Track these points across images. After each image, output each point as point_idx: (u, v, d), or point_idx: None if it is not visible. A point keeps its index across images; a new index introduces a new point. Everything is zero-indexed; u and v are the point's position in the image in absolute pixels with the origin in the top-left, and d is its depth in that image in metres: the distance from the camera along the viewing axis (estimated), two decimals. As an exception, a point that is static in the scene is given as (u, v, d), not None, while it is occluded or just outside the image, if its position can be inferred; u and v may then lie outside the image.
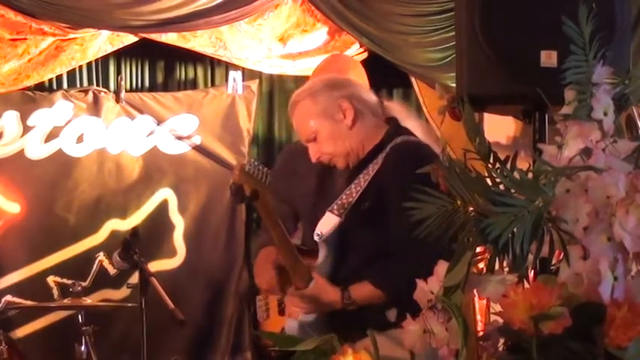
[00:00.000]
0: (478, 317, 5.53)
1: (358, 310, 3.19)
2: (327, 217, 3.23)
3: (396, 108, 3.48)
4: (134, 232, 4.36)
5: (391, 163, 3.21)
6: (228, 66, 6.07)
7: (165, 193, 5.95)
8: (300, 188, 3.63)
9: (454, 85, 3.70)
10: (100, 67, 5.96)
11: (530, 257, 1.58)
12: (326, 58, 4.21)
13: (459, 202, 1.66)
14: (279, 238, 3.28)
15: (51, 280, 5.73)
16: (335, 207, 3.22)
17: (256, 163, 3.21)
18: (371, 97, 3.35)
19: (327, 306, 3.20)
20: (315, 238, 3.22)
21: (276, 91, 6.23)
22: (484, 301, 5.16)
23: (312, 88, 3.35)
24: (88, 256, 5.77)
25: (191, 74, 6.17)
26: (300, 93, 3.38)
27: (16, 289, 5.65)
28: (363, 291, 3.14)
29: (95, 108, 5.87)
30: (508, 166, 1.66)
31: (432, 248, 3.12)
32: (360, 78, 3.88)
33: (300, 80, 6.20)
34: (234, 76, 6.04)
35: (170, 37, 5.71)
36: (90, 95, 5.88)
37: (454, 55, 3.77)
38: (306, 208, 3.56)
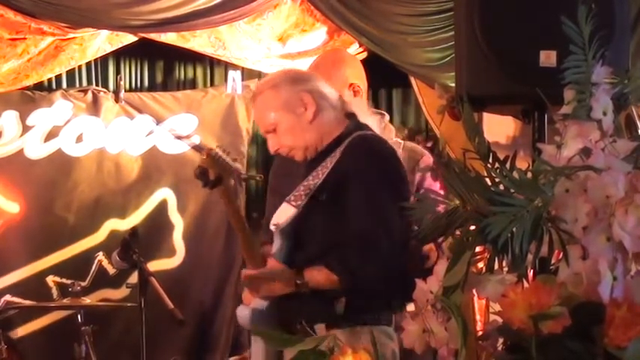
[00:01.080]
0: (477, 317, 5.53)
1: (307, 300, 3.20)
2: (284, 208, 3.27)
3: (356, 104, 3.49)
4: (133, 231, 4.37)
5: (349, 155, 3.24)
6: (227, 66, 6.08)
7: (164, 193, 5.96)
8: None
9: (453, 84, 3.70)
10: (99, 67, 5.97)
11: (530, 257, 1.59)
12: (323, 53, 4.20)
13: (458, 202, 1.66)
14: (237, 224, 3.34)
15: (50, 279, 5.73)
16: (292, 198, 3.25)
17: (225, 150, 3.27)
18: (332, 92, 3.39)
19: (279, 288, 3.22)
20: (272, 228, 3.25)
21: (275, 91, 6.23)
22: (483, 301, 5.16)
23: (274, 80, 3.38)
24: (88, 255, 5.77)
25: (190, 74, 6.17)
26: (262, 84, 3.43)
27: (15, 288, 5.65)
28: (317, 274, 3.17)
29: (94, 108, 5.88)
30: (507, 165, 1.66)
31: (388, 239, 3.15)
32: (356, 73, 3.87)
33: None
34: (234, 75, 6.05)
35: (169, 37, 5.71)
36: (89, 95, 5.89)
37: (453, 55, 3.77)
38: None
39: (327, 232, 3.20)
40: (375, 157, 3.25)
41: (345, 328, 3.15)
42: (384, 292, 3.21)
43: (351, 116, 3.36)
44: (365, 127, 3.36)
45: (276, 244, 3.26)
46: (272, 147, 3.39)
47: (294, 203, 3.23)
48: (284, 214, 3.25)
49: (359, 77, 3.88)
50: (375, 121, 3.47)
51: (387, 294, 3.22)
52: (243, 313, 3.30)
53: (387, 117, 3.98)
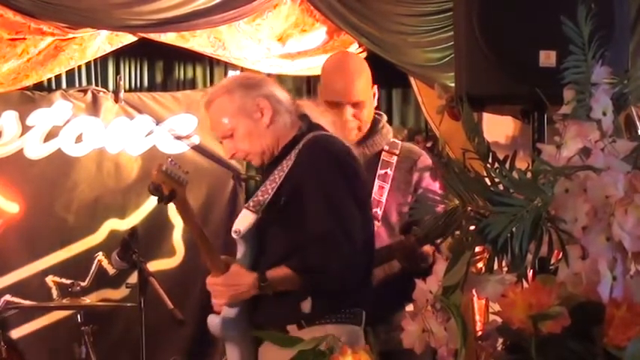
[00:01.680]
0: (477, 317, 5.53)
1: (275, 303, 3.22)
2: (244, 214, 3.29)
3: (308, 105, 3.52)
4: (133, 231, 4.36)
5: (304, 157, 3.26)
6: (227, 66, 6.08)
7: (164, 193, 5.95)
8: None
9: (453, 84, 3.70)
10: (98, 67, 5.97)
11: (529, 257, 1.59)
12: (337, 56, 4.19)
13: (457, 202, 1.66)
14: (197, 235, 3.34)
15: (50, 279, 5.73)
16: (251, 204, 3.28)
17: (174, 163, 3.27)
18: (285, 95, 3.42)
19: (244, 292, 3.24)
20: (233, 235, 3.27)
21: (275, 91, 6.23)
22: (483, 301, 5.16)
23: (228, 86, 3.40)
24: (87, 255, 5.77)
25: (190, 74, 6.17)
26: (215, 91, 3.44)
27: (15, 288, 5.66)
28: (280, 273, 3.19)
29: (94, 108, 5.88)
30: (507, 165, 1.66)
31: (348, 237, 3.17)
32: (370, 73, 3.89)
33: (298, 80, 6.21)
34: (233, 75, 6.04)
35: (169, 37, 5.71)
36: (89, 95, 5.89)
37: (453, 55, 3.77)
38: None
39: (289, 236, 3.23)
40: (330, 156, 3.28)
41: (313, 327, 3.18)
42: (348, 291, 3.23)
43: (303, 117, 3.39)
44: (318, 127, 3.39)
45: (240, 251, 3.29)
46: (228, 152, 3.42)
47: (253, 209, 3.26)
48: (244, 220, 3.28)
49: (371, 80, 3.92)
50: (328, 120, 3.50)
51: (351, 292, 3.24)
52: (214, 322, 3.32)
53: (385, 117, 3.99)
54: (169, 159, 3.31)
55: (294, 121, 3.37)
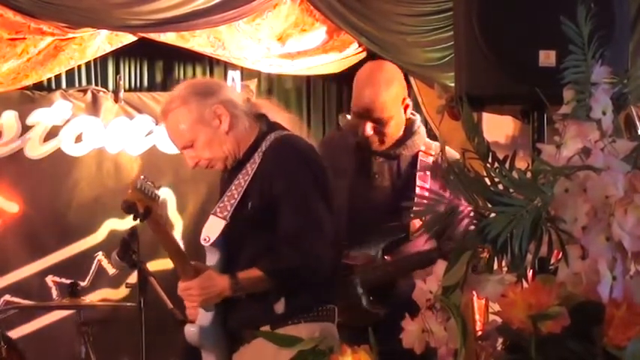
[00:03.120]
0: (477, 317, 5.53)
1: (248, 305, 3.24)
2: (212, 221, 3.30)
3: (264, 104, 3.52)
4: (133, 231, 4.35)
5: (268, 158, 3.28)
6: (226, 65, 6.08)
7: (163, 193, 5.95)
8: None
9: (453, 84, 3.69)
10: (98, 67, 5.97)
11: (529, 257, 1.58)
12: (369, 67, 4.11)
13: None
14: (169, 248, 3.39)
15: (50, 279, 5.73)
16: (218, 210, 3.28)
17: (147, 180, 3.29)
18: (239, 96, 3.45)
19: (217, 294, 3.25)
20: (203, 242, 3.27)
21: (274, 91, 6.24)
22: (483, 301, 5.16)
23: (183, 97, 3.38)
24: (87, 255, 5.78)
25: (190, 74, 6.17)
26: (171, 101, 3.42)
27: (15, 288, 5.66)
28: (252, 275, 3.20)
29: (94, 107, 5.88)
30: (507, 165, 1.66)
31: (319, 236, 3.19)
32: (404, 86, 3.88)
33: (298, 79, 6.21)
34: (233, 75, 6.05)
35: (169, 37, 5.71)
36: (89, 95, 5.89)
37: (453, 55, 3.77)
38: None
39: (258, 238, 3.25)
40: (297, 155, 3.29)
41: (287, 327, 3.19)
42: (319, 288, 3.23)
43: (261, 117, 3.39)
44: (277, 125, 3.39)
45: (210, 258, 3.30)
46: (191, 161, 3.41)
47: (220, 215, 3.27)
48: (213, 227, 3.28)
49: (405, 89, 3.91)
50: (285, 117, 3.50)
51: (322, 289, 3.25)
52: (191, 332, 3.33)
53: (419, 117, 3.99)
54: (141, 176, 3.32)
55: (252, 123, 3.37)
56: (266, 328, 3.20)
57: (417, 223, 3.69)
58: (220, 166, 3.39)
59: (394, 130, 3.81)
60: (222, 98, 3.36)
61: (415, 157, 3.84)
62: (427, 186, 3.78)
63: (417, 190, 3.76)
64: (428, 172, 3.80)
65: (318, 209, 3.23)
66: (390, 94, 3.79)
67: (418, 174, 3.80)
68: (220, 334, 3.31)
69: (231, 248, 3.29)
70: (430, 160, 3.82)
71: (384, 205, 3.69)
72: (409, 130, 3.85)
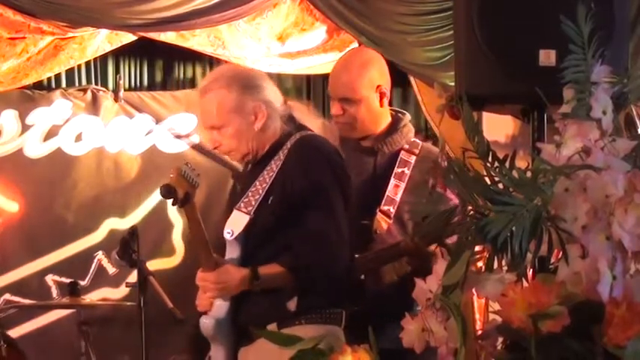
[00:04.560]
0: (477, 316, 5.53)
1: (260, 300, 3.25)
2: (236, 216, 3.31)
3: (297, 107, 3.54)
4: (132, 230, 4.35)
5: (294, 157, 3.30)
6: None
7: (163, 193, 5.95)
8: None
9: (453, 83, 3.69)
10: (98, 66, 5.97)
11: (529, 256, 1.59)
12: (349, 52, 4.21)
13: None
14: (197, 235, 3.35)
15: (50, 278, 5.73)
16: (242, 205, 3.29)
17: (191, 167, 3.30)
18: (280, 99, 3.45)
19: (234, 287, 3.25)
20: (226, 236, 3.28)
21: (274, 90, 6.23)
22: (483, 300, 5.16)
23: (228, 81, 3.39)
24: (87, 254, 5.78)
25: (190, 73, 6.17)
26: (213, 80, 3.42)
27: (14, 287, 5.66)
28: (272, 270, 3.21)
29: (94, 107, 5.88)
30: (507, 165, 1.66)
31: (338, 236, 3.20)
32: (383, 73, 3.87)
33: (298, 79, 6.21)
34: (233, 75, 6.04)
35: (169, 36, 5.71)
36: (88, 94, 5.89)
37: (453, 54, 3.77)
38: None
39: (280, 234, 3.26)
40: (320, 155, 3.31)
41: (295, 327, 3.19)
42: (331, 290, 3.24)
43: (290, 119, 3.40)
44: (304, 128, 3.40)
45: (230, 251, 3.30)
46: (212, 143, 3.45)
47: (245, 210, 3.29)
48: (237, 221, 3.30)
49: (385, 78, 3.88)
50: (316, 121, 3.53)
51: (334, 291, 3.26)
52: (205, 323, 3.34)
53: (408, 117, 3.98)
54: (186, 162, 3.32)
55: (282, 125, 3.39)
56: (273, 325, 3.21)
57: (382, 221, 3.71)
58: (237, 158, 3.44)
59: (365, 115, 3.79)
60: (266, 98, 3.38)
61: (396, 154, 3.83)
62: (403, 185, 3.78)
63: (389, 188, 3.76)
64: (407, 171, 3.80)
65: (339, 211, 3.26)
66: (361, 75, 3.78)
67: (395, 171, 3.80)
68: (231, 328, 3.32)
69: (252, 244, 3.31)
70: (413, 159, 3.82)
71: (358, 200, 3.70)
72: (392, 127, 3.85)
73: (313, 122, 3.50)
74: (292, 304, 3.24)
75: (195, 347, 5.81)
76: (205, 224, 6.03)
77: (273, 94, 3.43)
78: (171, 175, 3.27)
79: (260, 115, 3.34)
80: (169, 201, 3.27)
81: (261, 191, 3.27)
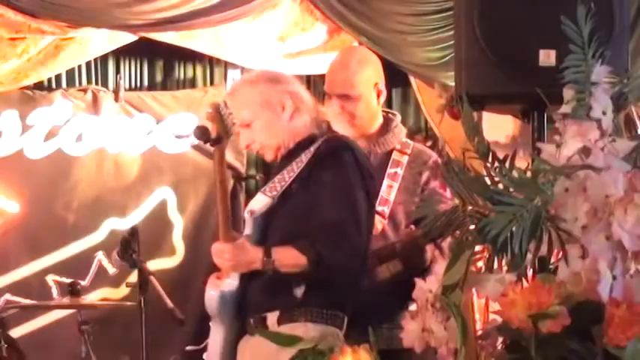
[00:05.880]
0: (477, 316, 5.53)
1: (268, 285, 3.27)
2: (259, 198, 3.35)
3: (329, 112, 3.62)
4: (133, 231, 4.36)
5: (324, 151, 3.33)
6: (227, 65, 6.08)
7: (164, 192, 5.96)
8: None
9: (453, 84, 3.70)
10: (99, 66, 5.97)
11: (529, 256, 1.59)
12: (344, 50, 4.25)
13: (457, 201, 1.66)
14: (221, 192, 3.39)
15: (50, 279, 5.73)
16: (267, 189, 3.34)
17: (229, 110, 3.32)
18: (309, 97, 3.50)
19: (246, 263, 3.28)
20: (246, 214, 3.31)
21: (275, 90, 6.23)
22: (483, 300, 5.16)
23: (253, 78, 3.49)
24: (87, 255, 5.78)
25: (190, 73, 6.17)
26: (241, 81, 3.57)
27: (15, 287, 5.66)
28: (286, 252, 3.24)
29: (94, 107, 5.88)
30: (507, 165, 1.66)
31: (357, 232, 3.22)
32: (379, 72, 3.89)
33: (299, 79, 6.20)
34: (233, 74, 6.05)
35: (169, 36, 5.71)
36: (89, 94, 5.89)
37: (453, 54, 3.77)
38: None
39: (296, 220, 3.28)
40: (350, 153, 3.33)
41: (296, 323, 3.19)
42: (344, 285, 3.26)
43: (324, 123, 3.44)
44: (335, 132, 3.47)
45: (248, 231, 3.32)
46: (244, 142, 3.48)
47: (269, 194, 3.32)
48: (259, 202, 3.33)
49: (381, 77, 3.90)
50: (347, 129, 3.61)
51: (340, 292, 3.27)
52: (210, 295, 3.35)
53: (399, 117, 4.00)
54: (224, 101, 3.35)
55: (312, 122, 3.43)
56: (276, 313, 3.21)
57: (376, 222, 3.73)
58: (270, 155, 3.45)
59: (364, 112, 3.82)
60: (291, 89, 3.44)
61: (389, 154, 3.85)
62: (396, 185, 3.80)
63: (383, 188, 3.77)
64: (399, 171, 3.82)
65: (361, 208, 3.28)
66: (359, 72, 3.81)
67: (388, 172, 3.82)
68: (235, 310, 3.33)
69: (270, 227, 3.33)
70: (405, 159, 3.83)
71: None
72: (384, 128, 3.87)
73: (345, 129, 3.60)
74: (299, 291, 3.24)
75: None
76: (205, 224, 6.07)
77: (301, 89, 3.50)
78: (209, 110, 3.29)
79: (287, 106, 3.38)
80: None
81: (287, 179, 3.31)
